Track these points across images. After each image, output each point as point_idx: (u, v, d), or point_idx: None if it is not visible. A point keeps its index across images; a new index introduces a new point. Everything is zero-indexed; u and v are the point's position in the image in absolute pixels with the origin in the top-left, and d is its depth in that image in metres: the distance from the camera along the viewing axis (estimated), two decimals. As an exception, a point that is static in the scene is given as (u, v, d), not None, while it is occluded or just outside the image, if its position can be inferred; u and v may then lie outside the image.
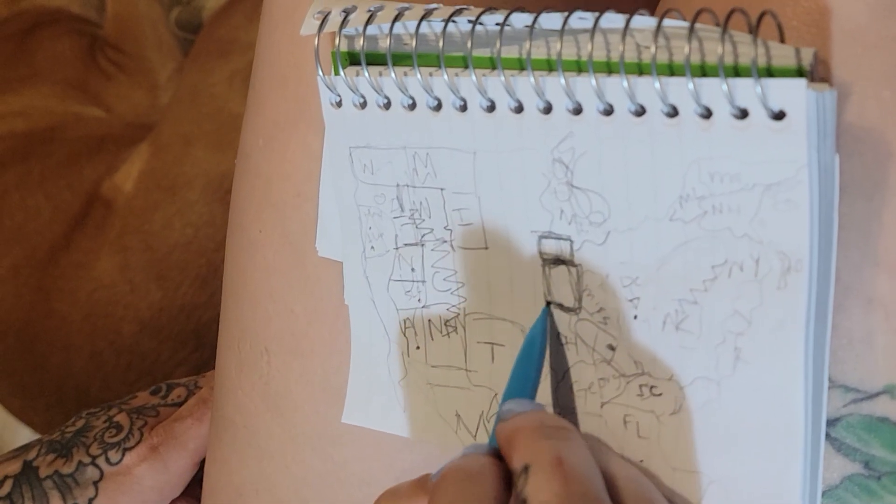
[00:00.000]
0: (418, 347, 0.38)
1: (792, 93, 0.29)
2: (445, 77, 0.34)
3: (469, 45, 0.33)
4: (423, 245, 0.37)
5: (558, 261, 0.35)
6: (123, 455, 0.48)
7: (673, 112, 0.31)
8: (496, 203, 0.35)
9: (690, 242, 0.32)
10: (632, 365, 0.34)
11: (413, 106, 0.35)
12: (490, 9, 0.34)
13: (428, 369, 0.38)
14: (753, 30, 0.29)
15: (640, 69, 0.31)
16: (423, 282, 0.38)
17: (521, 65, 0.33)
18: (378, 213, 0.38)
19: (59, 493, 0.48)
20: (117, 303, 0.77)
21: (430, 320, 0.38)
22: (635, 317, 0.33)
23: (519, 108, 0.33)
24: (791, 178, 0.29)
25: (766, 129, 0.29)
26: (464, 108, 0.34)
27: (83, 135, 0.84)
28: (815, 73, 0.30)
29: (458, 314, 0.37)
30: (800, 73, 0.29)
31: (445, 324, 0.38)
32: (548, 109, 0.33)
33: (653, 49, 0.30)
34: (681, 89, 0.30)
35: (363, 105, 0.36)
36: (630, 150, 0.32)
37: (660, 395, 0.33)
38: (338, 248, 0.39)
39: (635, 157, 0.32)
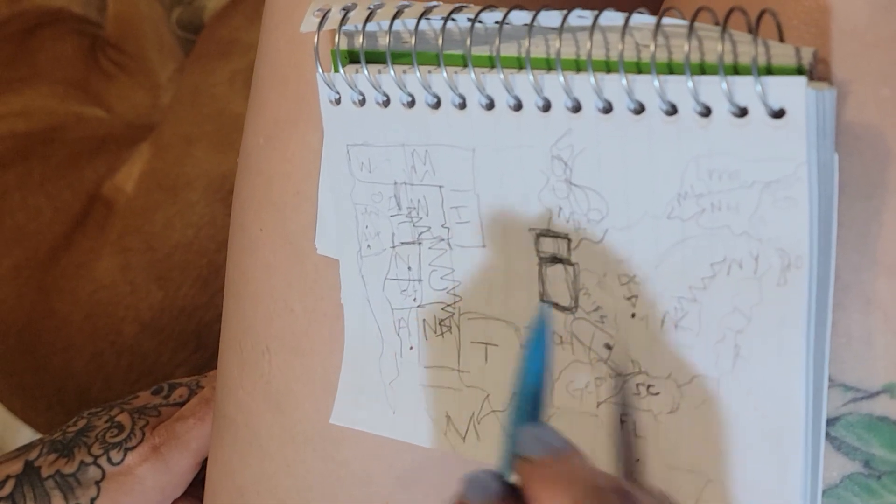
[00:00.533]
0: (412, 348, 0.38)
1: (792, 91, 0.29)
2: (444, 74, 0.34)
3: (468, 42, 0.33)
4: (420, 243, 0.37)
5: (555, 259, 0.34)
6: (125, 455, 0.48)
7: (672, 110, 0.31)
8: (495, 200, 0.35)
9: (689, 240, 0.32)
10: (629, 364, 0.34)
11: (412, 103, 0.35)
12: (489, 7, 0.34)
13: (420, 370, 0.38)
14: (753, 29, 0.29)
15: (639, 68, 0.31)
16: (420, 280, 0.38)
17: (520, 63, 0.33)
18: (375, 211, 0.38)
19: (60, 492, 0.48)
20: (118, 303, 0.77)
21: (424, 320, 0.38)
22: (633, 315, 0.33)
23: (518, 106, 0.33)
24: (790, 176, 0.29)
25: (765, 127, 0.29)
26: (463, 105, 0.34)
27: (84, 135, 0.84)
28: (815, 72, 0.30)
29: (453, 314, 0.37)
30: (799, 71, 0.29)
31: (440, 323, 0.37)
32: (547, 107, 0.33)
33: (652, 47, 0.30)
34: (680, 87, 0.30)
35: (362, 102, 0.36)
36: (629, 148, 0.32)
37: (657, 393, 0.33)
38: (336, 246, 0.39)
39: (634, 155, 0.32)
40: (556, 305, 0.35)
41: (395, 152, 0.36)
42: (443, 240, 0.37)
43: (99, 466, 0.48)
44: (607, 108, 0.32)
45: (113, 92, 0.88)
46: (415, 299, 0.38)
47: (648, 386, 0.33)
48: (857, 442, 0.32)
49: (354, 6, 0.36)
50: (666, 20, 0.31)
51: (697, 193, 0.31)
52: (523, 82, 0.33)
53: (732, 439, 0.32)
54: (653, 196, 0.32)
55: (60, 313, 0.78)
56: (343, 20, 0.35)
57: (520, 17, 0.33)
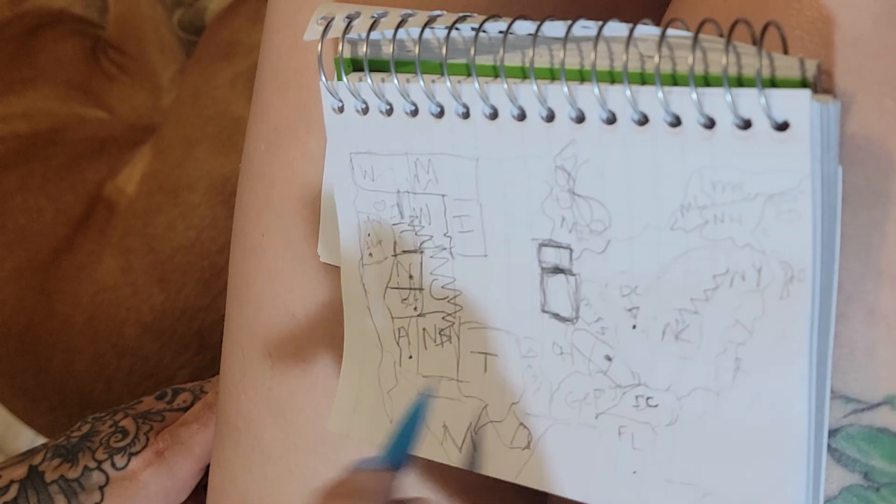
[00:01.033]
0: (411, 357, 0.38)
1: (796, 104, 0.29)
2: (448, 84, 0.34)
3: (472, 52, 0.33)
4: (422, 252, 0.37)
5: (557, 269, 0.34)
6: (129, 460, 0.48)
7: (676, 121, 0.31)
8: (498, 210, 0.35)
9: (692, 252, 0.32)
10: (629, 375, 0.34)
11: (415, 112, 0.35)
12: (493, 16, 0.34)
13: (419, 379, 0.38)
14: (757, 41, 0.29)
15: (643, 79, 0.31)
16: (421, 289, 0.37)
17: (524, 73, 0.33)
18: (377, 219, 0.38)
19: (64, 497, 0.48)
20: (120, 305, 0.77)
21: (424, 329, 0.38)
22: (634, 326, 0.33)
23: (521, 116, 0.33)
24: (794, 189, 0.29)
25: (769, 140, 0.29)
26: (466, 114, 0.34)
27: (85, 137, 0.84)
28: (819, 84, 0.30)
29: (454, 323, 0.37)
30: (804, 84, 0.29)
31: (440, 333, 0.37)
32: (550, 117, 0.33)
33: (656, 59, 0.30)
34: (684, 98, 0.30)
35: (365, 111, 0.36)
36: (632, 159, 0.32)
37: (656, 406, 0.33)
38: (338, 253, 0.39)
39: (637, 166, 0.32)
40: (556, 316, 0.35)
41: (398, 161, 0.36)
42: (445, 249, 0.37)
43: (103, 471, 0.48)
44: (611, 119, 0.32)
45: (114, 93, 0.88)
46: (415, 308, 0.38)
47: (647, 398, 0.33)
48: (857, 454, 0.32)
49: (358, 14, 0.36)
50: (670, 31, 0.31)
51: (701, 205, 0.31)
52: (527, 92, 0.33)
53: (732, 452, 0.32)
54: (656, 207, 0.32)
55: (62, 315, 0.78)
56: (347, 28, 0.35)
57: (524, 27, 0.33)
